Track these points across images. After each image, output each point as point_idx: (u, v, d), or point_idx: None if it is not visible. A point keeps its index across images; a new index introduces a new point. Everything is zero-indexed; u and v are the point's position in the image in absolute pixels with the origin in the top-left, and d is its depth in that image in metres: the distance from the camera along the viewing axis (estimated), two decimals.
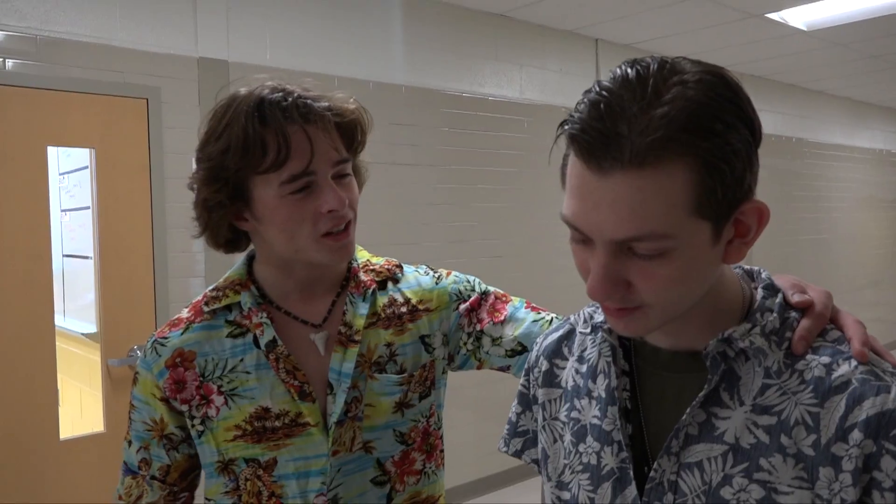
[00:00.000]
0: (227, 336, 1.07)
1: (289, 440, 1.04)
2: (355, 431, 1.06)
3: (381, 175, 3.66)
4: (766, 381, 0.71)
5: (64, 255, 3.47)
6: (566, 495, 0.83)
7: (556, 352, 0.91)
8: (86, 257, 3.22)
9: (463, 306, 1.15)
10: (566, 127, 0.67)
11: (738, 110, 0.65)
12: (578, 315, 0.92)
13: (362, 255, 1.18)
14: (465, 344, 1.15)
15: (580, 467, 0.82)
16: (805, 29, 4.77)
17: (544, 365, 0.92)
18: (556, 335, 0.93)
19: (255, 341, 1.06)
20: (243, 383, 1.05)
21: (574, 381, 0.87)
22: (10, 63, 2.74)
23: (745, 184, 0.67)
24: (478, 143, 4.22)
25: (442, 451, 1.17)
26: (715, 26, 4.64)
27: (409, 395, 1.10)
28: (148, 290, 3.06)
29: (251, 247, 1.13)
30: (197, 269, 3.20)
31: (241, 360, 1.06)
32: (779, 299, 0.75)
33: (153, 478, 1.09)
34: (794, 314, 0.75)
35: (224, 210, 1.02)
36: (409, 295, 1.15)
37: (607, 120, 0.63)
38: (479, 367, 1.16)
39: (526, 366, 0.96)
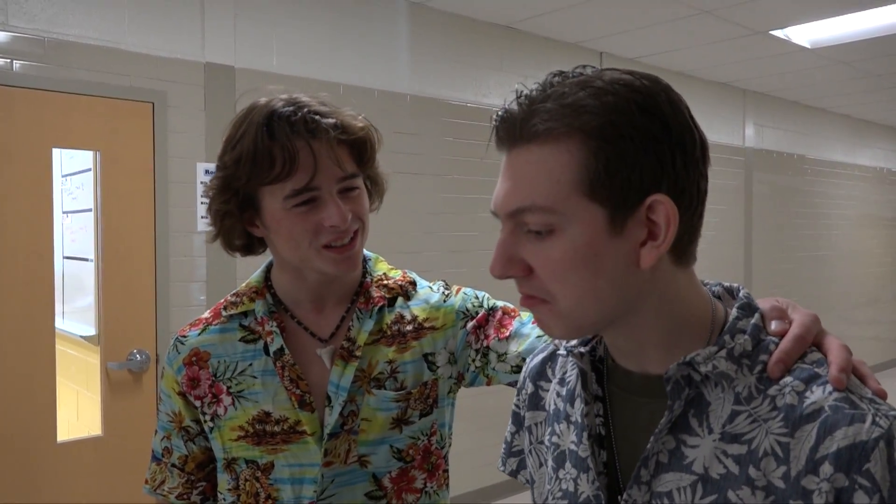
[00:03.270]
0: (239, 340, 1.11)
1: (285, 446, 1.06)
2: (350, 444, 1.07)
3: None
4: (736, 408, 0.68)
5: (64, 257, 3.47)
6: None
7: (541, 374, 0.89)
8: (85, 259, 3.21)
9: (470, 324, 1.15)
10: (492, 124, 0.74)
11: (646, 105, 0.66)
12: None
13: (380, 268, 1.19)
14: (474, 361, 1.14)
15: (560, 494, 0.80)
16: (809, 47, 4.79)
17: (530, 387, 0.90)
18: (540, 357, 0.91)
19: (265, 348, 1.10)
20: (250, 386, 1.09)
21: (555, 404, 0.85)
22: (17, 64, 2.75)
23: (647, 175, 0.66)
24: (481, 154, 4.22)
25: (446, 471, 1.16)
26: (719, 42, 4.66)
27: (408, 411, 1.10)
28: (149, 293, 3.05)
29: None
30: (198, 274, 3.19)
31: (251, 364, 1.10)
32: (754, 320, 0.71)
33: (173, 465, 1.15)
34: (771, 337, 0.71)
35: (234, 219, 1.07)
36: (416, 312, 1.15)
37: (515, 109, 0.70)
38: (488, 384, 1.15)
39: (518, 385, 0.95)
